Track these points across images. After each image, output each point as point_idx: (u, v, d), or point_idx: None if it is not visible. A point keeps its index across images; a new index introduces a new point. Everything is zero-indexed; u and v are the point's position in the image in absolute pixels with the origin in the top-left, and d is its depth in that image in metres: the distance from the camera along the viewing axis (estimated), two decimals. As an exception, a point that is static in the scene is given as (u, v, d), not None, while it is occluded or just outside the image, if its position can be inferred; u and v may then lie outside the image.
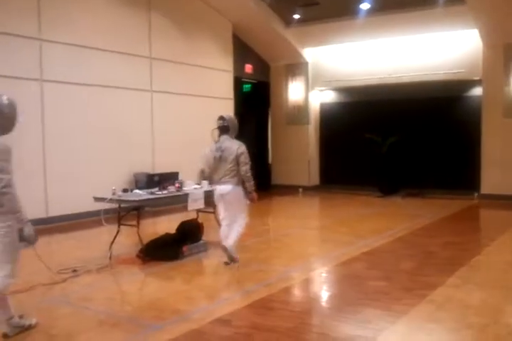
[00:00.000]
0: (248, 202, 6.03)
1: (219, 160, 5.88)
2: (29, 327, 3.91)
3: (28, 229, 3.67)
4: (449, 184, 12.49)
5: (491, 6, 10.31)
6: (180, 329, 3.94)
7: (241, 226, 5.93)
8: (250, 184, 5.88)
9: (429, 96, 12.63)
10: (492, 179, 11.58)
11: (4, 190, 3.49)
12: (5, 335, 3.77)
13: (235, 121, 6.13)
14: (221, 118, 6.01)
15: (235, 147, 5.85)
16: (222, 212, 6.00)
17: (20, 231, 3.63)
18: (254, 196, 5.99)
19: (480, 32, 11.29)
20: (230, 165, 5.82)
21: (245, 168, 5.80)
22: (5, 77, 8.17)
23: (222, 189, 5.88)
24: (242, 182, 5.89)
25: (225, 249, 5.82)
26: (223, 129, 6.00)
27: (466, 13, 10.62)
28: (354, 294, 4.89)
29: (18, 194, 3.63)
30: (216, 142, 5.98)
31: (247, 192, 5.94)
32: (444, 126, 12.69)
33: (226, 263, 5.93)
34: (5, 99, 3.71)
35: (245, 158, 5.83)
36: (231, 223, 5.91)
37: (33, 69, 8.62)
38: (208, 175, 6.21)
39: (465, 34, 11.91)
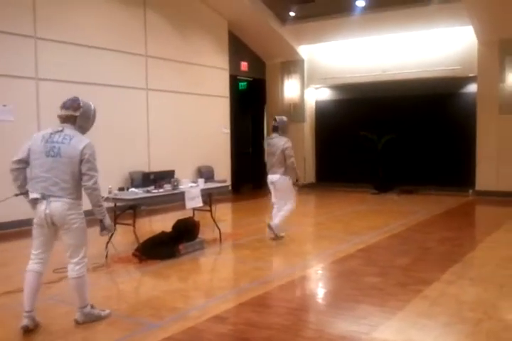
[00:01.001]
0: (296, 189, 7.47)
1: (269, 153, 7.21)
2: (99, 318, 4.10)
3: (108, 220, 4.07)
4: (444, 181, 12.54)
5: (485, 2, 10.34)
6: (177, 327, 3.96)
7: (288, 210, 7.16)
8: (294, 173, 7.14)
9: (424, 94, 12.68)
10: (487, 175, 11.63)
11: (95, 186, 3.91)
12: (76, 322, 4.04)
13: (285, 122, 7.28)
14: (274, 119, 7.36)
15: (281, 143, 7.05)
16: (273, 197, 7.28)
17: (101, 222, 4.04)
18: (299, 184, 7.45)
19: (475, 28, 11.32)
20: (277, 158, 7.02)
21: (290, 161, 6.99)
22: (0, 75, 8.19)
23: (272, 177, 7.16)
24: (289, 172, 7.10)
25: (270, 227, 7.12)
26: (274, 128, 7.31)
27: (460, 9, 10.66)
28: (350, 290, 4.93)
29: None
30: (269, 139, 7.37)
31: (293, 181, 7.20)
32: (439, 123, 12.74)
33: (272, 239, 7.15)
34: (92, 105, 4.14)
35: (289, 152, 7.01)
36: (280, 206, 7.18)
37: (29, 67, 8.62)
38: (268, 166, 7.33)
39: (460, 31, 11.96)
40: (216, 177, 11.49)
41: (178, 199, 6.80)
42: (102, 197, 4.14)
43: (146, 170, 10.03)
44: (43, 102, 8.80)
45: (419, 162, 12.96)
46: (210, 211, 7.10)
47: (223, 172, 12.48)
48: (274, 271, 5.76)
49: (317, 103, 14.64)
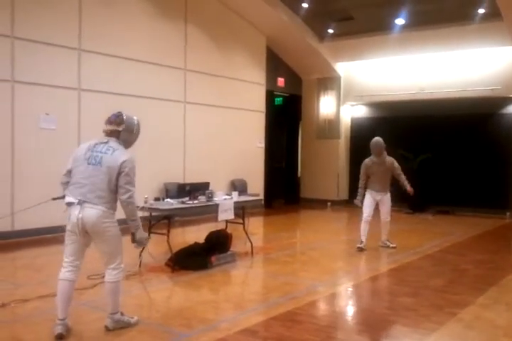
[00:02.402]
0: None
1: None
2: (129, 325, 4.17)
3: (140, 234, 4.12)
4: (481, 202, 12.28)
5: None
6: (207, 338, 3.97)
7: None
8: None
9: (462, 113, 12.50)
10: (525, 198, 11.35)
11: (130, 200, 3.97)
12: (106, 328, 4.10)
13: (380, 145, 7.82)
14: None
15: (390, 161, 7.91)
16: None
17: (133, 235, 4.09)
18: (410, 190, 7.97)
19: (516, 49, 11.17)
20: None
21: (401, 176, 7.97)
22: (45, 85, 8.44)
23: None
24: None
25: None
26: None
27: (502, 29, 10.53)
28: (382, 310, 4.86)
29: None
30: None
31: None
32: (476, 144, 12.52)
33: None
34: (136, 120, 4.26)
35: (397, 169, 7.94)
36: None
37: (72, 78, 8.87)
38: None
39: (501, 50, 11.80)
40: (249, 191, 11.52)
41: (211, 211, 6.84)
42: (138, 207, 4.20)
43: (181, 181, 10.13)
44: (84, 112, 9.03)
45: (456, 182, 12.73)
46: (243, 224, 7.12)
47: (256, 186, 12.51)
48: (305, 286, 5.72)
49: (353, 120, 14.59)
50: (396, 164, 7.87)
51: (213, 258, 6.40)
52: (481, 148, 12.45)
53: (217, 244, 6.65)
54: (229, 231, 7.10)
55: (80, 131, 8.97)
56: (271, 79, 13.48)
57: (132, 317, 4.25)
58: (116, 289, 4.10)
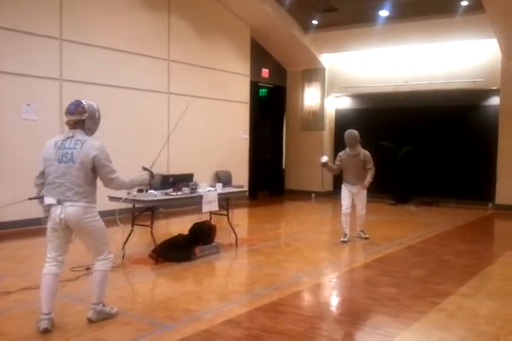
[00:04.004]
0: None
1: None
2: (110, 316, 4.17)
3: (139, 181, 4.40)
4: (464, 193, 12.42)
5: (510, 14, 10.24)
6: (190, 330, 3.97)
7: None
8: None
9: (445, 105, 12.59)
10: (507, 189, 11.49)
11: (118, 184, 4.13)
12: (89, 320, 4.08)
13: (354, 137, 7.66)
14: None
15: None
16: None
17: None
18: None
19: (499, 41, 11.23)
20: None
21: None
22: (25, 75, 8.31)
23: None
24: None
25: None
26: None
27: (485, 22, 10.58)
28: (365, 300, 4.89)
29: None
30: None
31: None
32: (459, 135, 12.64)
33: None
34: (95, 105, 4.15)
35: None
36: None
37: (53, 68, 8.74)
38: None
39: (484, 43, 11.88)
40: (233, 183, 11.51)
41: (195, 202, 6.82)
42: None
43: (165, 173, 10.06)
44: (66, 103, 8.83)
45: (439, 174, 12.85)
46: (227, 215, 7.12)
47: (241, 178, 12.49)
48: (289, 277, 5.73)
49: (337, 111, 14.62)
50: (369, 157, 7.68)
51: (197, 250, 6.39)
52: (464, 139, 12.56)
53: (202, 236, 6.64)
54: (213, 222, 7.09)
55: (62, 121, 8.85)
56: (255, 70, 13.43)
57: (112, 308, 4.25)
58: (104, 279, 4.11)
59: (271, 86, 14.57)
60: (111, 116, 9.63)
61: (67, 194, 3.88)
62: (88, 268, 5.65)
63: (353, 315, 4.45)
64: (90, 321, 4.07)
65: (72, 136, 3.98)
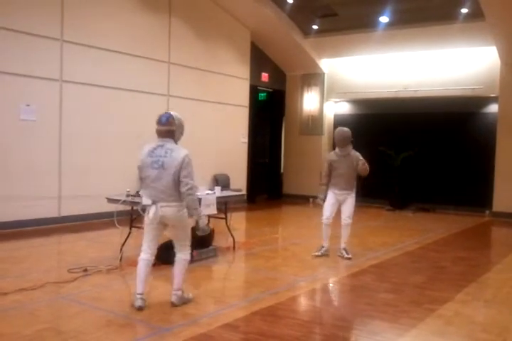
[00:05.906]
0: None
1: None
2: (189, 301, 4.68)
3: (203, 222, 4.62)
4: (461, 200, 12.43)
5: (509, 22, 10.30)
6: (188, 333, 3.95)
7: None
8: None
9: (444, 112, 12.62)
10: (505, 197, 11.50)
11: (190, 191, 4.40)
12: (173, 304, 4.55)
13: (346, 137, 7.08)
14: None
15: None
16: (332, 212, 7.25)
17: (197, 223, 4.57)
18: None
19: (498, 48, 11.28)
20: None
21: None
22: (26, 76, 8.31)
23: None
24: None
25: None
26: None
27: (484, 29, 10.63)
28: (362, 306, 4.89)
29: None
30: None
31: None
32: (458, 142, 12.66)
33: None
34: (179, 115, 4.73)
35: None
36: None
37: (54, 69, 8.75)
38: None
39: (483, 50, 11.92)
40: (232, 186, 11.50)
41: (194, 205, 6.80)
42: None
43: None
44: (66, 104, 8.92)
45: (437, 180, 12.86)
46: (225, 219, 7.11)
47: (239, 182, 12.49)
48: (286, 281, 5.73)
49: (336, 117, 14.64)
50: (361, 157, 6.98)
51: (194, 253, 6.35)
52: (463, 146, 12.58)
53: (199, 239, 6.61)
54: (211, 226, 7.06)
55: (61, 122, 8.86)
56: (255, 74, 13.45)
57: (188, 294, 4.74)
58: (185, 266, 4.63)
59: (270, 90, 14.58)
60: (109, 118, 9.67)
61: (162, 196, 4.42)
62: (85, 270, 5.66)
63: (351, 321, 4.45)
64: (173, 305, 4.53)
65: (163, 145, 4.51)
